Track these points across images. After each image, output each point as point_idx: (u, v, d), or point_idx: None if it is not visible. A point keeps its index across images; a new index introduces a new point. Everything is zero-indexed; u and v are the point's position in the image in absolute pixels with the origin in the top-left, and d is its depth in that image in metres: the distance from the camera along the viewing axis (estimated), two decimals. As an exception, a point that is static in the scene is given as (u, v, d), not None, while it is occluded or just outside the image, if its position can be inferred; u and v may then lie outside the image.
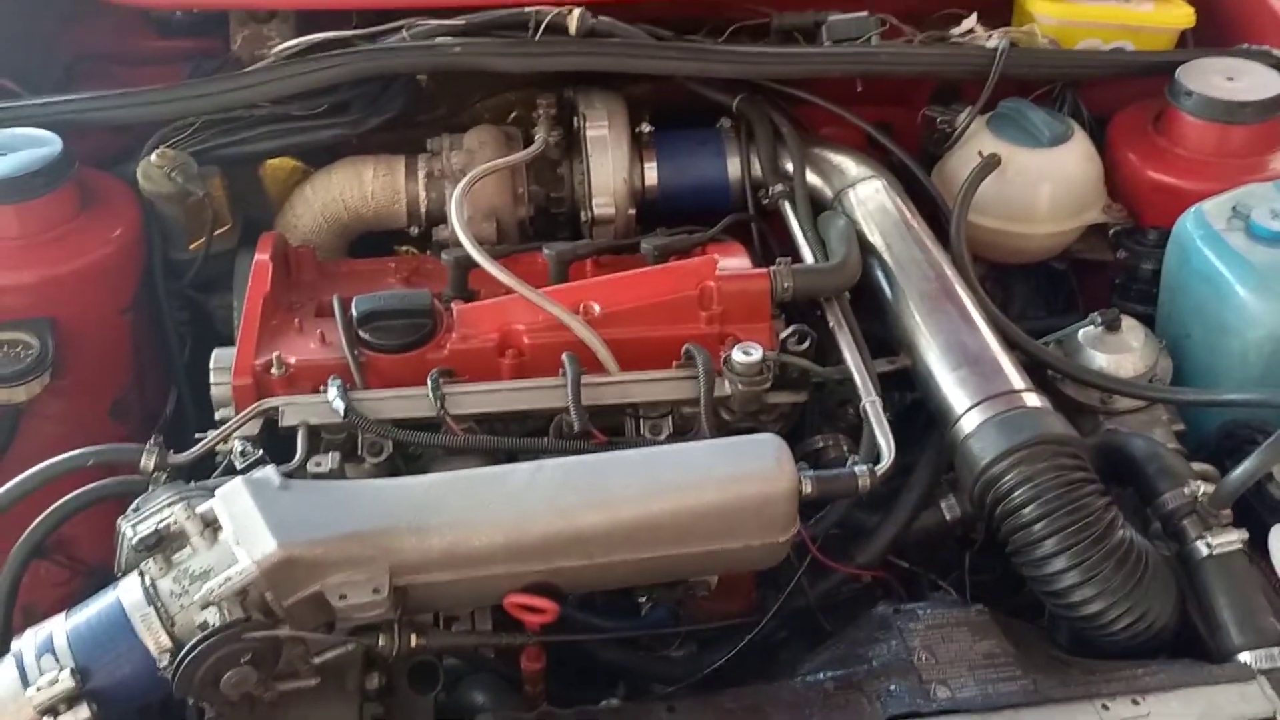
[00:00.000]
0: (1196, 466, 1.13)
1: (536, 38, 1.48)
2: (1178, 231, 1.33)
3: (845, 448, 1.23)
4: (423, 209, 1.50)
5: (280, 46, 1.54)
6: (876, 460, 1.10)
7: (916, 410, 1.27)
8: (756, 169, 1.52)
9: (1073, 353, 1.30)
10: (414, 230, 1.52)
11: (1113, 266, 1.52)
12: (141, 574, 0.94)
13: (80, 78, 1.66)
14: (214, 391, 1.20)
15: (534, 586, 0.99)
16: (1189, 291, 1.31)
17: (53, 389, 1.33)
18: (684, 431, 1.20)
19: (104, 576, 1.14)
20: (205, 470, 1.13)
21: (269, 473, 0.98)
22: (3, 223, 1.33)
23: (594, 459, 1.03)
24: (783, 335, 1.21)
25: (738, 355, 1.15)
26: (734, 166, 1.53)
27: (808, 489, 1.03)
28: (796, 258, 1.38)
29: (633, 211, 1.50)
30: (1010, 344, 1.22)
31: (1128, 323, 1.29)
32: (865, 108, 1.63)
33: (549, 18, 1.49)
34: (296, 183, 1.55)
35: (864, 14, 1.56)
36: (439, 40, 1.47)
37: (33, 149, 1.36)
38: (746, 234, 1.50)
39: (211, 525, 0.95)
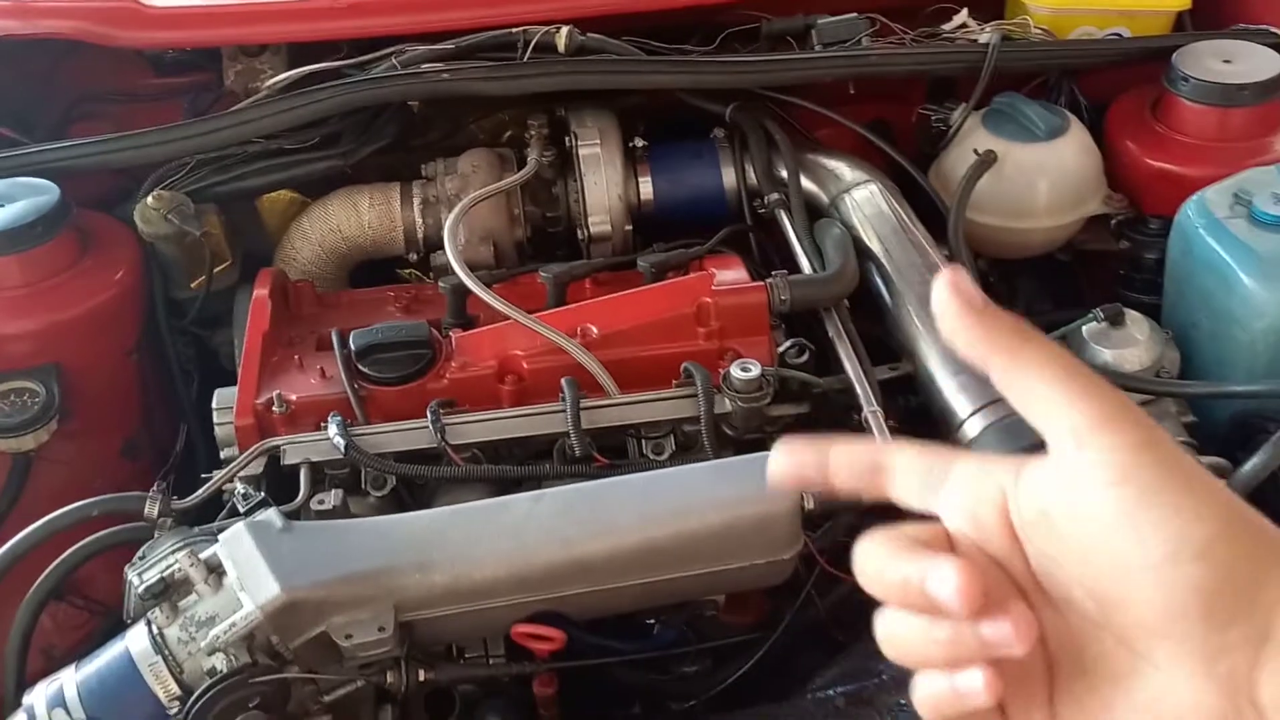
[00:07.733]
0: (1207, 460, 1.10)
1: (525, 58, 1.48)
2: (1180, 220, 1.30)
3: (851, 455, 1.24)
4: (420, 235, 1.51)
5: (273, 80, 1.55)
6: (880, 471, 1.11)
7: (923, 414, 1.26)
8: (752, 178, 1.51)
9: (1077, 349, 1.27)
10: (412, 257, 1.52)
11: (1117, 256, 1.50)
12: (149, 622, 0.96)
13: (79, 119, 1.68)
14: (218, 431, 1.21)
15: (541, 615, 1.01)
16: (1193, 281, 1.29)
17: (63, 433, 1.34)
18: (687, 449, 1.20)
19: (121, 617, 1.14)
20: (215, 509, 1.14)
21: (271, 515, 0.99)
22: (5, 273, 1.35)
23: (593, 487, 1.03)
24: (781, 349, 1.21)
25: (736, 372, 1.14)
26: (729, 177, 1.52)
27: (809, 505, 1.03)
28: (794, 267, 1.38)
29: (629, 228, 1.49)
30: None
31: (1132, 315, 1.27)
32: (862, 106, 1.62)
33: (537, 37, 1.49)
34: (294, 214, 1.56)
35: (853, 16, 1.55)
36: (427, 67, 1.46)
37: (31, 198, 1.37)
38: (745, 244, 1.49)
39: (216, 571, 0.97)
